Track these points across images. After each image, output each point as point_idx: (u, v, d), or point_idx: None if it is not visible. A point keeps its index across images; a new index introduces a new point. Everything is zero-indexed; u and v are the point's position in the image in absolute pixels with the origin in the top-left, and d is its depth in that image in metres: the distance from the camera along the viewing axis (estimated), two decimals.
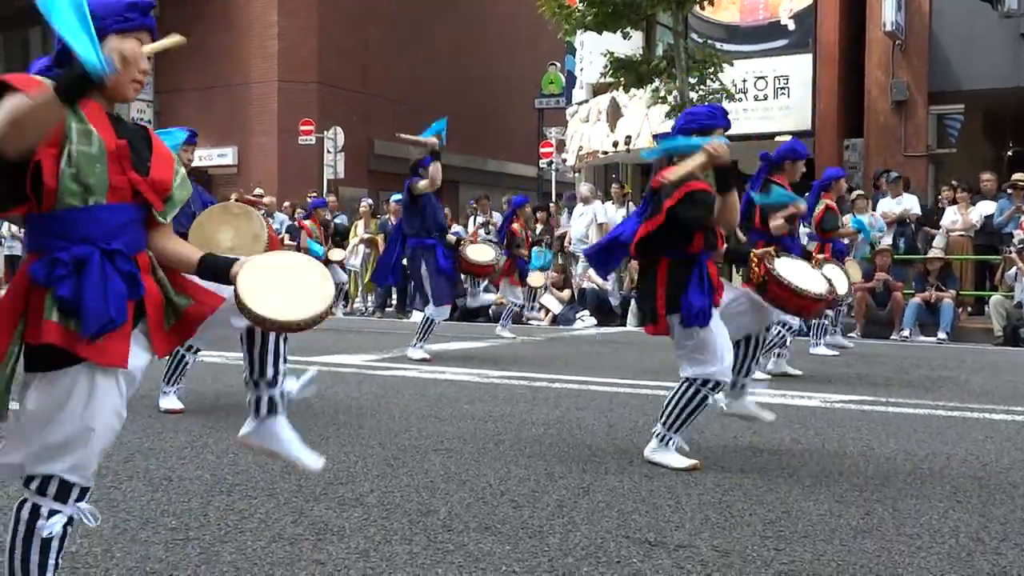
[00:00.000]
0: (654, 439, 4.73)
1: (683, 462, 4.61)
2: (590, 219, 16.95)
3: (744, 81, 18.33)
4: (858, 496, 4.12)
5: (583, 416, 6.06)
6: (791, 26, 18.46)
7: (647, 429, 5.61)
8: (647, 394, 7.08)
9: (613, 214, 17.36)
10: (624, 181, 20.38)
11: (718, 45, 17.75)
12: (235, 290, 2.43)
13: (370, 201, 18.62)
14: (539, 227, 17.43)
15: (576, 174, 23.61)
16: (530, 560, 3.19)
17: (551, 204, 20.28)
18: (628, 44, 17.65)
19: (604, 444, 5.17)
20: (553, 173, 24.60)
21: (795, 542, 3.43)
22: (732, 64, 17.10)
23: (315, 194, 20.48)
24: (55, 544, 2.37)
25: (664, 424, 4.67)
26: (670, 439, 4.67)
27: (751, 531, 3.56)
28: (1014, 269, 12.76)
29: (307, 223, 15.12)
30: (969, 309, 14.35)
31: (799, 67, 18.28)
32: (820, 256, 9.93)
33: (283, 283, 2.47)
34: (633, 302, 15.58)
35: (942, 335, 12.81)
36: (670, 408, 4.65)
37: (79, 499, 2.39)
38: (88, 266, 2.27)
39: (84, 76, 2.14)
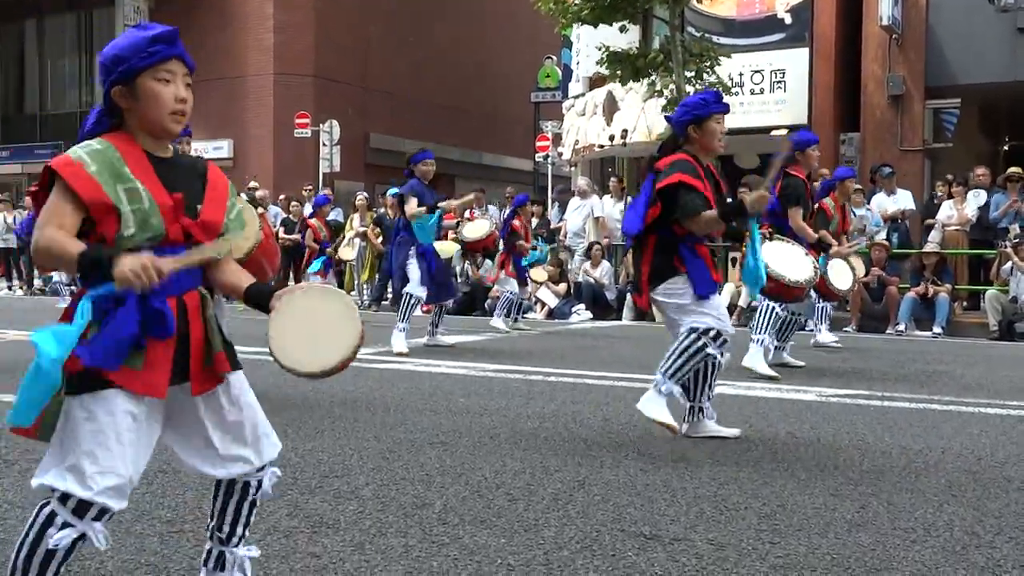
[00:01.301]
0: (651, 388, 4.99)
1: (666, 416, 4.88)
2: (587, 213, 16.97)
3: (740, 75, 18.31)
4: (853, 490, 4.12)
5: (579, 410, 6.06)
6: (787, 20, 18.44)
7: (643, 423, 5.62)
8: (643, 388, 7.07)
9: (610, 208, 17.38)
10: (621, 175, 20.38)
11: (714, 39, 17.71)
12: (268, 341, 2.49)
13: (366, 195, 18.60)
14: (535, 221, 17.43)
15: (572, 168, 23.60)
16: (525, 553, 3.19)
17: (553, 199, 20.25)
18: (624, 38, 17.63)
19: (600, 438, 5.18)
20: (549, 167, 24.56)
21: (790, 535, 3.43)
22: (729, 57, 17.09)
23: (310, 188, 20.45)
24: (59, 556, 2.36)
25: (664, 372, 4.93)
26: (666, 387, 4.89)
27: (746, 524, 3.57)
28: (1009, 263, 12.78)
29: (313, 221, 15.10)
30: (964, 303, 14.37)
31: (795, 61, 18.27)
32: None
33: (311, 331, 2.50)
34: (629, 296, 15.59)
35: (937, 329, 12.83)
36: (672, 356, 4.91)
37: (96, 519, 2.38)
38: (125, 303, 2.32)
39: (102, 274, 2.26)
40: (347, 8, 28.35)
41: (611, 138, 19.88)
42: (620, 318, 15.48)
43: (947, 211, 14.38)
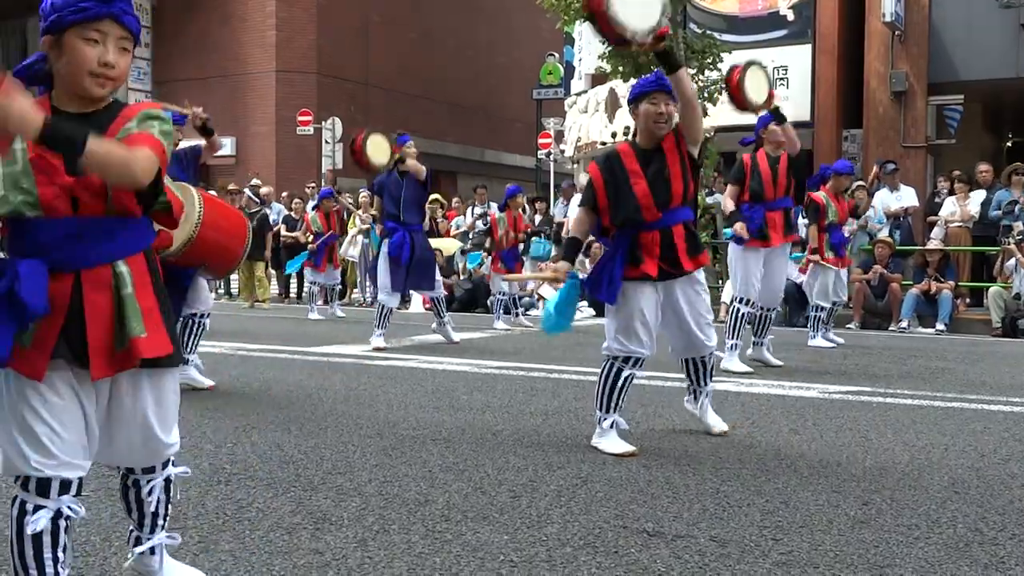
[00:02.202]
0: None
1: (621, 447, 4.70)
2: None
3: None
4: (856, 487, 4.12)
5: (581, 406, 6.06)
6: (790, 17, 18.42)
7: (645, 420, 5.63)
8: (645, 385, 7.08)
9: None
10: None
11: (717, 35, 17.71)
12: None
13: (368, 192, 18.58)
14: (538, 217, 17.42)
15: (574, 165, 23.59)
16: (528, 550, 3.19)
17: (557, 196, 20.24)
18: None
19: None
20: (551, 164, 24.56)
21: (793, 532, 3.43)
22: (731, 52, 17.07)
23: (313, 185, 20.47)
24: (47, 539, 2.34)
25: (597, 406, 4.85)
26: (602, 418, 4.79)
27: (749, 521, 3.56)
28: (1013, 260, 12.76)
29: (309, 214, 15.11)
30: (967, 300, 14.36)
31: (798, 58, 18.25)
32: (813, 256, 9.96)
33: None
34: None
35: (940, 326, 12.82)
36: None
37: (62, 493, 2.35)
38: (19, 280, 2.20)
39: (73, 151, 2.09)
40: (349, 5, 28.36)
41: (613, 135, 19.85)
42: None
43: (950, 207, 14.36)
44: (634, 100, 4.80)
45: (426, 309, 14.00)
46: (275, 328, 11.88)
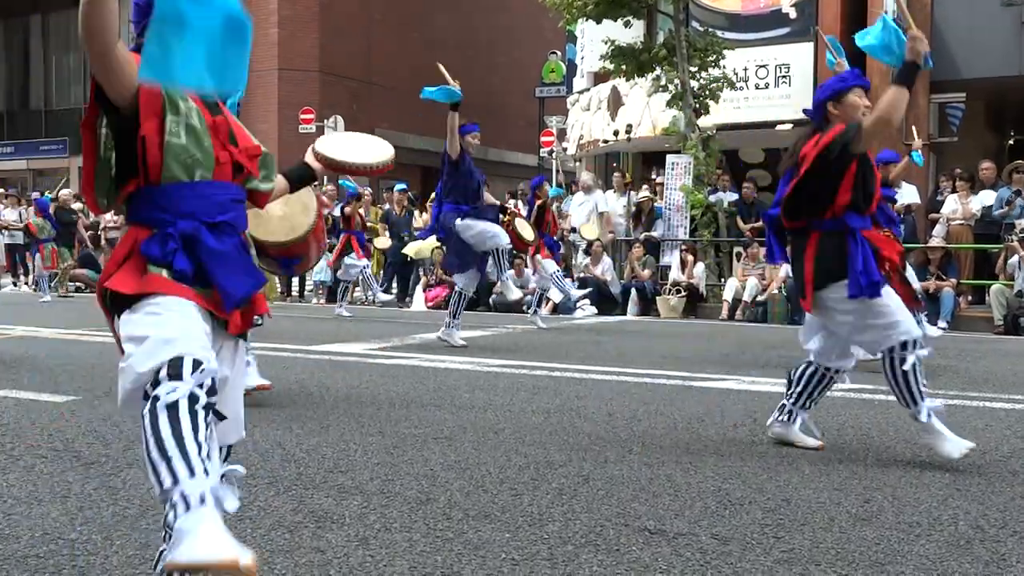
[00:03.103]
0: (915, 421, 4.57)
1: (959, 448, 4.39)
2: (591, 208, 16.95)
3: (745, 70, 18.29)
4: (857, 484, 4.12)
5: (583, 405, 6.06)
6: (792, 14, 18.41)
7: (647, 418, 5.63)
8: (647, 383, 7.09)
9: (614, 203, 17.37)
10: (625, 170, 20.37)
11: (719, 33, 17.71)
12: (315, 153, 2.76)
13: (369, 190, 18.61)
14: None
15: (577, 163, 23.60)
16: (529, 548, 3.19)
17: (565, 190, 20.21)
18: (629, 32, 17.62)
19: (604, 433, 5.17)
20: (554, 162, 24.57)
21: (794, 530, 3.43)
22: (732, 50, 17.08)
23: (316, 184, 20.45)
24: (185, 421, 2.16)
25: (903, 404, 4.54)
26: (918, 413, 4.48)
27: (750, 519, 3.56)
28: (1016, 257, 12.75)
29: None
30: (969, 298, 14.35)
31: (800, 55, 18.23)
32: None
33: (353, 145, 2.92)
34: (633, 291, 15.61)
35: (942, 324, 12.81)
36: (897, 389, 4.51)
37: (193, 371, 2.24)
38: (199, 242, 2.34)
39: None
40: (352, 3, 28.36)
41: (615, 133, 19.88)
42: (624, 313, 15.48)
43: (952, 205, 14.35)
44: (836, 94, 4.62)
45: (428, 308, 14.02)
46: (276, 327, 11.88)
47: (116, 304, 2.41)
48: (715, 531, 3.41)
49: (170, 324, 2.32)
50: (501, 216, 10.45)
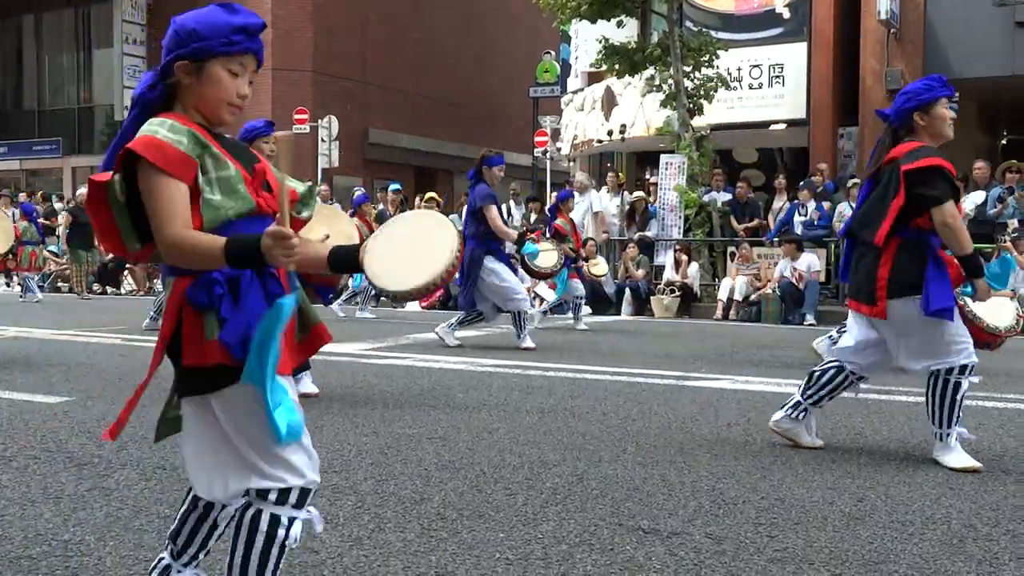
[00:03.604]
0: (936, 440, 4.55)
1: (964, 461, 4.41)
2: (586, 208, 16.94)
3: (739, 69, 18.32)
4: (851, 483, 4.13)
5: (577, 404, 6.06)
6: (786, 14, 18.45)
7: (641, 417, 5.63)
8: (641, 382, 7.09)
9: (608, 203, 17.38)
10: (619, 170, 20.38)
11: (713, 33, 17.73)
12: (366, 274, 2.45)
13: (363, 190, 18.59)
14: (533, 216, 17.41)
15: (571, 163, 23.61)
16: (523, 547, 3.19)
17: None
18: (623, 32, 17.64)
19: (598, 432, 5.18)
20: (548, 162, 24.55)
21: (788, 529, 3.44)
22: (726, 50, 17.10)
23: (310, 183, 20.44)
24: (284, 552, 2.31)
25: (935, 423, 4.50)
26: (947, 435, 4.46)
27: (744, 518, 3.57)
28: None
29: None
30: None
31: (794, 55, 18.28)
32: None
33: (405, 254, 2.49)
34: (627, 291, 15.62)
35: None
36: (939, 409, 4.47)
37: (310, 502, 2.34)
38: (240, 286, 2.23)
39: (255, 259, 2.15)
40: (346, 3, 28.33)
41: (609, 133, 19.90)
42: (619, 313, 15.49)
43: None
44: (924, 105, 4.53)
45: (423, 308, 14.01)
46: None
47: (190, 377, 2.27)
48: (709, 530, 3.41)
49: (304, 429, 2.27)
50: (529, 236, 10.41)
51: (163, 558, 2.54)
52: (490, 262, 9.12)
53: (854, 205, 10.28)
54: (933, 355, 4.45)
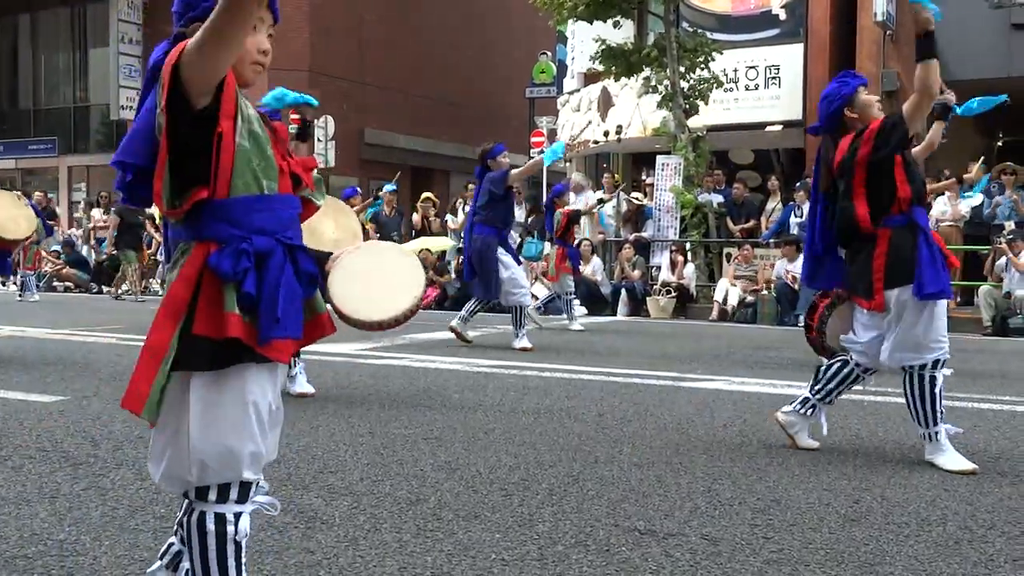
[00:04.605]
0: (925, 441, 4.55)
1: (960, 464, 4.41)
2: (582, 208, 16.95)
3: (735, 71, 18.34)
4: (847, 485, 4.13)
5: (573, 405, 6.06)
6: (782, 16, 18.47)
7: (637, 418, 5.63)
8: (637, 383, 7.10)
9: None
10: (615, 170, 20.39)
11: (709, 34, 17.74)
12: (329, 298, 2.35)
13: (359, 190, 18.56)
14: (530, 217, 17.44)
15: (567, 164, 23.60)
16: (519, 548, 3.19)
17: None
18: (619, 33, 17.65)
19: (594, 433, 5.18)
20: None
21: (784, 530, 3.44)
22: (722, 51, 17.11)
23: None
24: (242, 550, 2.26)
25: (920, 423, 4.53)
26: (935, 433, 4.48)
27: (740, 520, 3.57)
28: (1004, 259, 12.80)
29: None
30: (958, 299, 14.39)
31: (790, 57, 18.29)
32: None
33: (370, 284, 2.42)
34: (623, 291, 15.63)
35: None
36: (920, 407, 4.50)
37: (255, 493, 2.29)
38: (270, 261, 2.16)
39: None
40: (343, 3, 28.30)
41: (606, 134, 19.89)
42: (615, 313, 15.49)
43: (941, 207, 14.40)
44: (847, 99, 4.64)
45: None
46: None
47: (193, 347, 2.15)
48: (705, 531, 3.41)
49: (258, 428, 2.21)
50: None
51: (173, 543, 2.53)
52: (500, 253, 9.28)
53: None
54: (915, 348, 4.46)
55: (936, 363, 4.46)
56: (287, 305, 2.17)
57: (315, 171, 2.43)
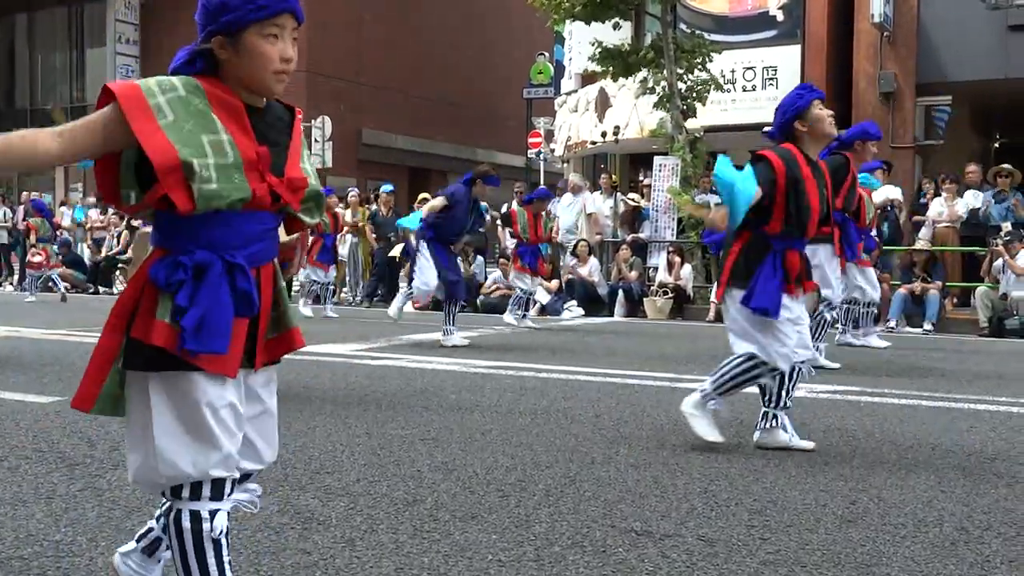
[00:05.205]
0: (697, 393, 4.85)
1: (710, 433, 4.74)
2: (579, 209, 16.96)
3: (732, 72, 18.33)
4: (843, 486, 4.13)
5: (570, 406, 6.06)
6: (779, 17, 18.46)
7: (634, 419, 5.63)
8: (634, 384, 7.10)
9: (601, 204, 17.38)
10: (612, 171, 20.39)
11: (706, 35, 17.74)
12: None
13: (357, 191, 18.59)
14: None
15: (564, 164, 23.60)
16: (516, 549, 3.19)
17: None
18: (617, 34, 17.65)
19: (591, 434, 5.18)
20: (541, 163, 24.56)
21: (780, 531, 3.44)
22: (720, 52, 17.11)
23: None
24: (224, 542, 2.26)
25: (712, 383, 4.79)
26: (712, 399, 4.78)
27: (737, 520, 3.57)
28: (1000, 260, 12.81)
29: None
30: (955, 300, 14.41)
31: (787, 58, 18.29)
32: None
33: None
34: (620, 292, 15.63)
35: (928, 326, 12.86)
36: (722, 374, 4.76)
37: (231, 491, 2.28)
38: (208, 277, 2.15)
39: None
40: (339, 3, 28.29)
41: (603, 135, 19.89)
42: (612, 314, 15.49)
43: (938, 208, 14.42)
44: (800, 112, 4.72)
45: (415, 308, 13.99)
46: None
47: (132, 348, 2.18)
48: (701, 532, 3.41)
49: (219, 429, 2.20)
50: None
51: (152, 528, 2.56)
52: (423, 247, 9.69)
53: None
54: (743, 336, 4.72)
55: (761, 363, 4.67)
56: (214, 320, 2.15)
57: (312, 188, 2.37)
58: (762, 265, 4.61)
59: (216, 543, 2.24)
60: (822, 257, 7.75)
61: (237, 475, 2.30)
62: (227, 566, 2.27)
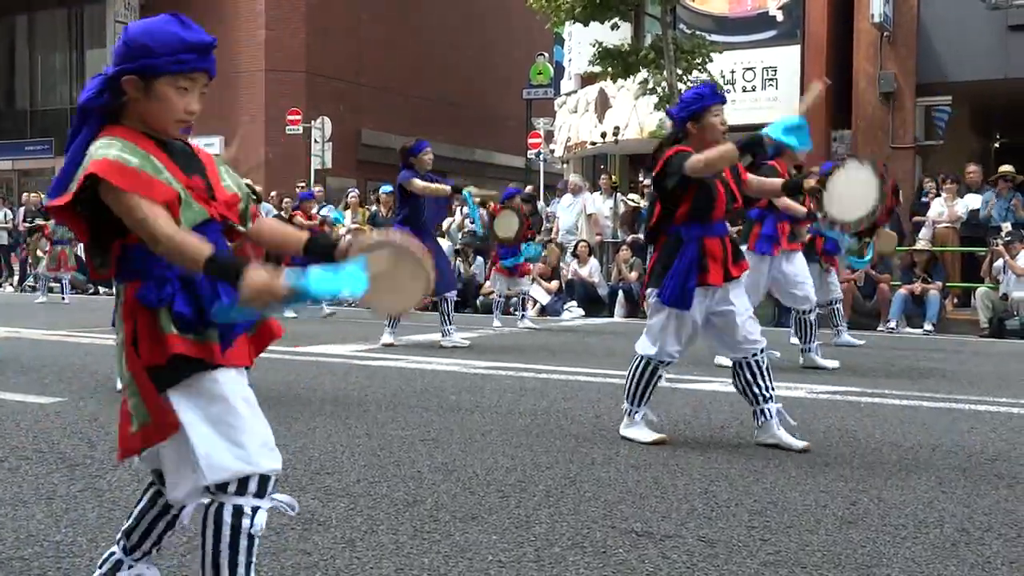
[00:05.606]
0: (624, 416, 5.07)
1: (652, 436, 4.95)
2: (579, 210, 16.95)
3: (732, 72, 18.33)
4: (844, 486, 4.13)
5: (570, 407, 6.06)
6: (779, 17, 18.46)
7: None
8: None
9: (601, 205, 17.37)
10: (612, 172, 20.39)
11: (706, 36, 17.73)
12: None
13: (357, 191, 18.58)
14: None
15: (564, 165, 23.60)
16: (516, 550, 3.19)
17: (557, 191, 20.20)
18: (616, 35, 17.64)
19: (591, 435, 5.18)
20: (541, 164, 24.55)
21: (781, 532, 3.44)
22: (720, 52, 17.10)
23: (303, 184, 20.41)
24: (255, 545, 2.32)
25: (626, 398, 5.02)
26: (635, 412, 5.01)
27: (737, 521, 3.57)
28: (1001, 261, 12.81)
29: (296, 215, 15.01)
30: (955, 301, 14.40)
31: (787, 58, 18.28)
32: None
33: (391, 280, 2.47)
34: (620, 293, 15.62)
35: (928, 327, 12.86)
36: (627, 386, 5.02)
37: (274, 490, 2.35)
38: (197, 280, 2.25)
39: (232, 275, 2.14)
40: (339, 4, 28.31)
41: (603, 135, 19.88)
42: (612, 315, 15.48)
43: (938, 208, 14.41)
44: (696, 113, 4.78)
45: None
46: None
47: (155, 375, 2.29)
48: (702, 533, 3.41)
49: (255, 418, 2.32)
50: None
51: (114, 552, 2.59)
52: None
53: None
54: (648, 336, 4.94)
55: (652, 359, 4.90)
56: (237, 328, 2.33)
57: (245, 199, 2.46)
58: (677, 261, 4.74)
59: (251, 541, 2.30)
60: (796, 263, 8.07)
61: (279, 467, 2.35)
62: (253, 568, 2.33)
